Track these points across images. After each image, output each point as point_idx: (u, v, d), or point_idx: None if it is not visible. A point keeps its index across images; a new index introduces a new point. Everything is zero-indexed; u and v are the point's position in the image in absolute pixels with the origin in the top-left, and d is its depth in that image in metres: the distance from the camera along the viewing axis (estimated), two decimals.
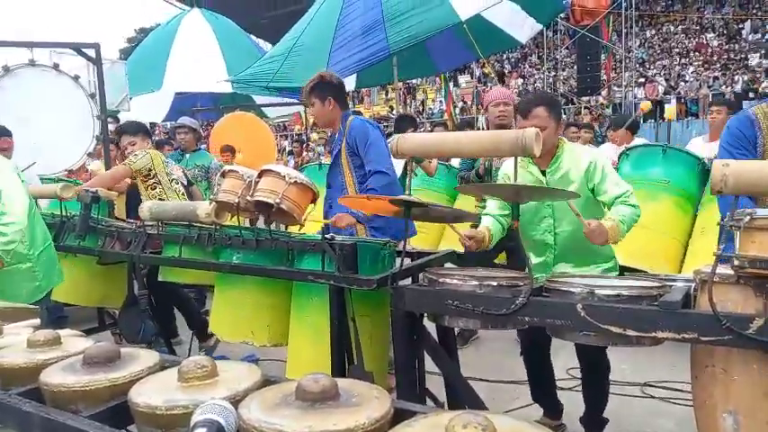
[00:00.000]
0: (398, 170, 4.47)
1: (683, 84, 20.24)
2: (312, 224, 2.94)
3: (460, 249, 4.19)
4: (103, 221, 3.50)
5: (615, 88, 19.24)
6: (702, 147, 4.78)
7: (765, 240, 1.43)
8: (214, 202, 2.77)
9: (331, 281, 2.29)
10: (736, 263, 1.47)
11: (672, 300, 1.60)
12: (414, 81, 23.18)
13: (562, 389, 3.18)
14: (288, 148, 14.31)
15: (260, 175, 2.57)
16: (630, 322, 1.61)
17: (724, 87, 18.23)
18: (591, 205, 2.39)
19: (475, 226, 2.52)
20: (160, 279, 3.18)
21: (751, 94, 16.56)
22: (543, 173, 2.43)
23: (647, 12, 24.39)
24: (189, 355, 1.97)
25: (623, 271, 3.01)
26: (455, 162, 5.24)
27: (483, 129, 7.45)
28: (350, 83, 8.35)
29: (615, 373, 3.19)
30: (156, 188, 3.88)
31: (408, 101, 23.96)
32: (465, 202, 4.90)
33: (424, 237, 5.33)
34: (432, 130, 8.10)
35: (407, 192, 2.17)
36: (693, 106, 17.67)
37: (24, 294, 2.79)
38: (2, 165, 2.84)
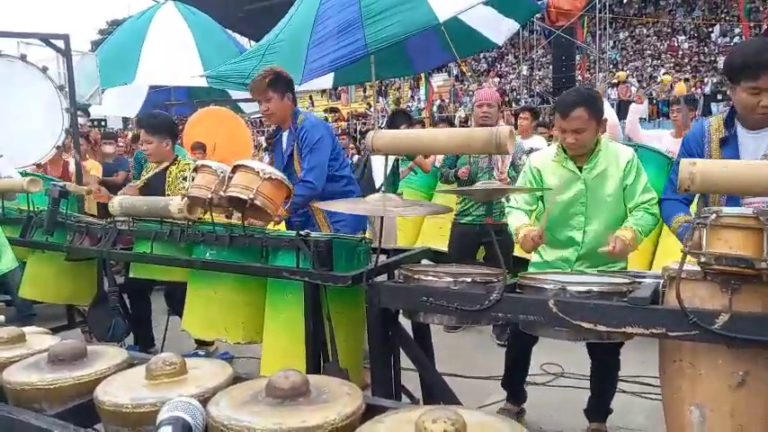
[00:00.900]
0: (382, 171, 4.48)
1: (654, 85, 20.63)
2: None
3: (436, 246, 4.25)
4: (72, 217, 3.42)
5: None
6: (671, 141, 4.95)
7: (731, 238, 1.47)
8: (186, 198, 2.73)
9: (306, 278, 2.27)
10: (702, 260, 1.50)
11: (641, 296, 1.62)
12: (390, 79, 23.21)
13: (536, 383, 3.23)
14: (264, 144, 14.17)
15: (234, 171, 2.54)
16: (601, 318, 1.63)
17: (694, 89, 18.65)
18: (622, 205, 2.44)
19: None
20: (131, 275, 3.13)
21: (719, 96, 16.99)
22: (580, 169, 2.44)
23: (621, 14, 24.81)
24: (162, 351, 1.94)
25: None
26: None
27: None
28: (327, 81, 8.30)
29: (586, 369, 3.24)
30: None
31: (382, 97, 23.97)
32: (443, 199, 4.95)
33: (401, 234, 5.35)
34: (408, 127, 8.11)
35: (383, 188, 2.16)
36: (665, 107, 18.03)
37: None
38: None
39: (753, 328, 1.44)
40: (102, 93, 5.99)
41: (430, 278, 1.95)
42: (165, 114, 4.23)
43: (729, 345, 1.48)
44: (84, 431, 1.08)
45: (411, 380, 2.44)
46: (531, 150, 4.07)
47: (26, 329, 1.56)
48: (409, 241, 5.35)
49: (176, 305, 3.20)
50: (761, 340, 1.43)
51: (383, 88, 24.19)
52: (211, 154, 6.70)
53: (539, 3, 8.01)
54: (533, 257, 2.65)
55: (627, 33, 25.38)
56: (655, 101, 18.40)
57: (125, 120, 14.65)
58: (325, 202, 2.98)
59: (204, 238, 2.68)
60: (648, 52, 23.79)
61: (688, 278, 1.55)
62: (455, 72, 22.75)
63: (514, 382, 2.78)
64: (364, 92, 24.14)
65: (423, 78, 11.31)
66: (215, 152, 6.81)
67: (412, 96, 23.36)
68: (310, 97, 23.98)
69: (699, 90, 18.68)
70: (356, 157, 8.99)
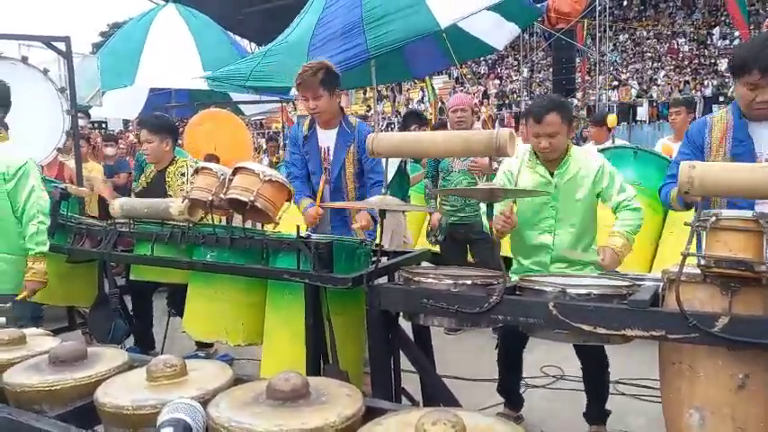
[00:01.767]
0: (390, 172, 4.49)
1: (654, 87, 20.67)
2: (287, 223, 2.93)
3: (436, 249, 4.25)
4: (73, 218, 3.42)
5: (590, 91, 19.56)
6: (672, 147, 4.91)
7: (731, 240, 1.47)
8: (187, 200, 2.73)
9: (306, 279, 2.28)
10: (702, 262, 1.50)
11: (641, 298, 1.63)
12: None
13: (536, 386, 3.23)
14: (264, 146, 14.19)
15: (234, 173, 2.55)
16: (601, 320, 1.64)
17: (694, 92, 18.68)
18: (591, 210, 2.50)
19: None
20: (131, 278, 3.13)
21: (721, 98, 17.01)
22: (551, 174, 2.47)
23: (621, 17, 24.85)
24: (162, 353, 1.94)
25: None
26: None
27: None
28: None
29: None
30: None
31: (394, 99, 24.01)
32: (419, 200, 5.02)
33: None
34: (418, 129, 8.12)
35: (384, 191, 2.16)
36: (665, 109, 18.07)
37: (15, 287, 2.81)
38: (31, 163, 2.84)
39: (752, 331, 1.44)
40: (103, 95, 5.99)
41: (430, 280, 1.95)
42: (167, 116, 4.24)
43: (729, 347, 1.48)
44: None
45: (411, 382, 2.44)
46: None
47: (27, 331, 1.56)
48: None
49: (178, 306, 3.22)
50: (761, 343, 1.43)
51: (394, 90, 24.19)
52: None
53: (539, 6, 8.01)
54: (513, 265, 2.69)
55: (627, 36, 25.42)
56: (655, 103, 18.43)
57: (125, 122, 14.65)
58: (330, 202, 2.98)
59: (205, 240, 2.68)
60: (649, 55, 23.82)
61: (688, 281, 1.55)
62: (455, 74, 22.77)
63: (509, 386, 2.78)
64: (364, 94, 24.16)
65: (427, 81, 11.32)
66: (215, 154, 6.81)
67: (422, 99, 23.38)
68: None
69: (699, 93, 18.70)
70: None
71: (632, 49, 24.67)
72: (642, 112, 18.03)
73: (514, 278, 2.04)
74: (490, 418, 0.92)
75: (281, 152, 10.48)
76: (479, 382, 3.20)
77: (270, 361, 2.55)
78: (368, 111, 21.63)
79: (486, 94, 21.14)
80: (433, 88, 11.67)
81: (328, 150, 3.09)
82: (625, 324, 1.61)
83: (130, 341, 3.58)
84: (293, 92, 6.99)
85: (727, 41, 21.82)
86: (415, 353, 2.22)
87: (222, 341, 2.71)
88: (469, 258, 4.22)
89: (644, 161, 4.23)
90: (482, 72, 25.97)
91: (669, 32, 24.48)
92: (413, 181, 4.94)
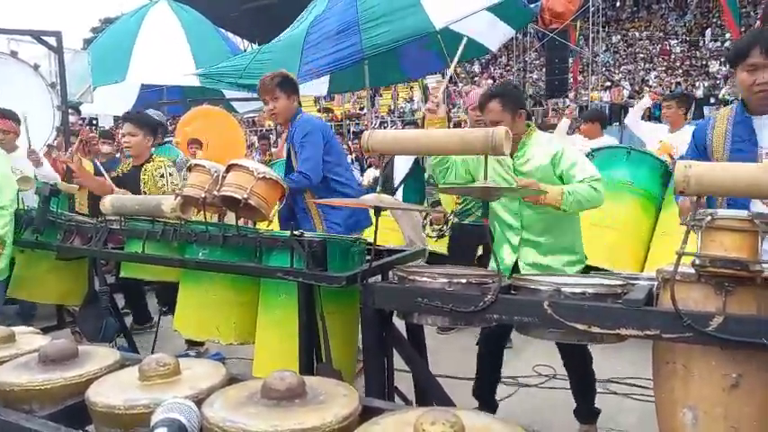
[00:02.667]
0: (405, 170, 4.46)
1: (646, 88, 20.77)
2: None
3: (434, 248, 4.24)
4: (63, 215, 3.39)
5: (582, 91, 19.64)
6: (668, 137, 4.95)
7: (725, 240, 1.47)
8: (179, 197, 2.71)
9: (300, 278, 2.26)
10: (697, 262, 1.50)
11: (635, 298, 1.63)
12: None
13: (528, 386, 3.23)
14: (257, 144, 14.13)
15: (227, 170, 2.52)
16: (595, 319, 1.63)
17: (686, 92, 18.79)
18: None
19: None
20: (122, 275, 3.10)
21: (712, 100, 17.12)
22: (511, 158, 2.49)
23: (613, 18, 24.96)
24: (153, 353, 1.92)
25: (588, 269, 3.07)
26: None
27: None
28: (322, 88, 8.28)
29: None
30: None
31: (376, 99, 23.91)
32: (444, 199, 4.98)
33: (395, 234, 5.33)
34: (403, 129, 8.11)
35: (379, 188, 2.15)
36: (657, 110, 18.15)
37: None
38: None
39: (746, 331, 1.44)
40: (94, 90, 5.94)
41: (424, 279, 1.94)
42: (151, 116, 4.31)
43: (723, 347, 1.48)
44: None
45: (403, 381, 2.43)
46: None
47: (16, 329, 1.53)
48: (403, 241, 5.33)
49: (168, 304, 3.24)
50: (754, 342, 1.43)
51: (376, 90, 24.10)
52: (204, 152, 6.66)
53: (532, 6, 8.03)
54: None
55: (619, 37, 25.54)
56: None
57: (116, 119, 14.54)
58: (323, 199, 2.99)
59: (197, 238, 2.66)
60: (641, 56, 23.94)
61: (682, 280, 1.55)
62: (448, 73, 22.76)
63: (485, 390, 2.72)
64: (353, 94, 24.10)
65: (420, 81, 11.33)
66: (207, 151, 6.76)
67: (411, 99, 23.34)
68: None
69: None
70: (349, 158, 8.97)
71: (624, 50, 24.79)
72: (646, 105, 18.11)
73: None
74: (488, 418, 0.92)
75: (272, 150, 10.44)
76: (471, 381, 3.19)
77: (263, 360, 2.53)
78: (360, 109, 21.61)
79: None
80: (425, 88, 11.69)
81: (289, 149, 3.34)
82: (619, 323, 1.61)
83: (122, 340, 3.55)
84: None
85: (719, 43, 21.97)
86: (408, 352, 2.22)
87: (214, 340, 2.69)
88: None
89: (637, 161, 4.25)
90: (475, 71, 25.98)
91: (661, 34, 24.63)
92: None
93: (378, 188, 2.25)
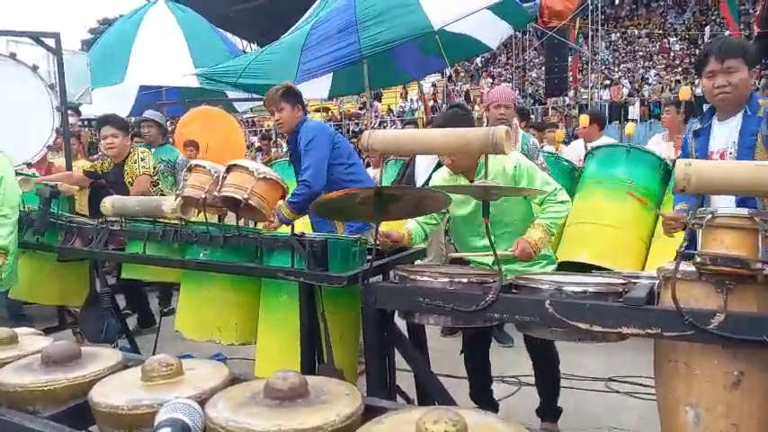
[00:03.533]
0: (427, 170, 4.44)
1: (646, 86, 20.77)
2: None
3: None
4: (64, 217, 3.39)
5: (582, 89, 19.63)
6: (664, 145, 4.97)
7: (726, 238, 1.47)
8: (180, 198, 2.71)
9: (301, 278, 2.26)
10: (698, 260, 1.51)
11: (637, 296, 1.63)
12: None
13: (529, 384, 3.23)
14: (257, 145, 14.13)
15: (228, 171, 2.53)
16: (597, 318, 1.64)
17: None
18: (523, 208, 2.49)
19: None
20: (123, 276, 3.10)
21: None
22: (471, 182, 2.46)
23: (613, 16, 24.96)
24: (154, 353, 1.92)
25: (590, 269, 3.08)
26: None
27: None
28: (323, 91, 8.28)
29: (580, 369, 3.26)
30: (157, 184, 4.12)
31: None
32: None
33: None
34: (403, 128, 8.11)
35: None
36: (656, 108, 18.15)
37: None
38: (2, 155, 2.89)
39: (748, 329, 1.44)
40: (92, 92, 5.93)
41: (426, 279, 1.94)
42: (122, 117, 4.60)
43: (724, 345, 1.49)
44: None
45: (405, 380, 2.44)
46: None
47: (18, 330, 1.54)
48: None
49: (169, 305, 3.28)
50: (756, 340, 1.44)
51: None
52: (204, 154, 6.66)
53: (532, 3, 8.03)
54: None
55: (619, 35, 25.53)
56: (646, 102, 18.51)
57: None
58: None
59: (198, 239, 2.66)
60: (640, 53, 23.94)
61: (683, 278, 1.55)
62: (448, 72, 22.77)
63: (480, 393, 2.69)
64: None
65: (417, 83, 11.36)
66: (207, 152, 6.76)
67: (404, 96, 23.33)
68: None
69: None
70: None
71: (624, 48, 24.79)
72: (633, 111, 18.10)
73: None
74: (491, 417, 0.92)
75: (273, 150, 10.44)
76: None
77: (264, 360, 2.54)
78: (361, 108, 21.61)
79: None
80: (420, 89, 11.72)
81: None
82: (621, 322, 1.61)
83: (123, 341, 3.56)
84: None
85: None
86: (410, 351, 2.22)
87: (215, 340, 2.70)
88: None
89: (636, 160, 4.24)
90: (474, 70, 25.98)
91: (660, 32, 24.63)
92: None
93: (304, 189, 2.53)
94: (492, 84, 24.08)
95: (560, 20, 9.59)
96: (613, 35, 25.33)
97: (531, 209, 2.51)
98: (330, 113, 21.52)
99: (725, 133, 2.29)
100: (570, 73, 18.08)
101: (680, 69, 21.74)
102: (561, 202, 2.40)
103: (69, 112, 5.11)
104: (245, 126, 18.53)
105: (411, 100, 22.46)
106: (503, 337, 3.88)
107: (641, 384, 3.04)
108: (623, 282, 1.80)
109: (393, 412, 0.97)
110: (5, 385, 1.20)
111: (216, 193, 2.53)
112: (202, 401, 1.01)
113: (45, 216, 3.22)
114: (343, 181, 3.23)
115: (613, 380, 3.22)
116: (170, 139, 6.80)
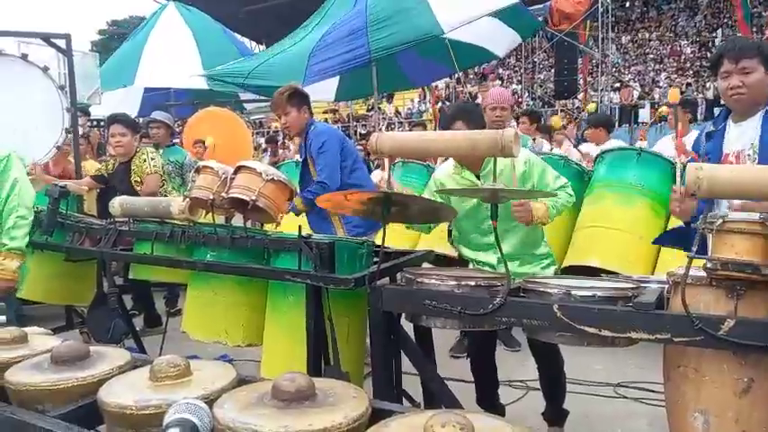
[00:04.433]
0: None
1: (656, 89, 20.65)
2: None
3: (440, 249, 4.23)
4: (72, 217, 3.41)
5: (591, 92, 19.53)
6: (671, 146, 4.92)
7: (737, 243, 1.46)
8: (188, 199, 2.72)
9: (308, 280, 2.26)
10: (708, 265, 1.49)
11: (646, 301, 1.62)
12: None
13: (536, 389, 3.21)
14: (264, 146, 14.17)
15: (236, 172, 2.54)
16: (605, 323, 1.62)
17: (696, 93, 18.66)
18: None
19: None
20: (130, 277, 3.12)
21: (722, 101, 16.95)
22: (477, 176, 2.47)
23: (623, 18, 24.84)
24: (160, 354, 1.93)
25: (599, 273, 3.06)
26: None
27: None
28: (330, 94, 8.31)
29: (588, 374, 3.23)
30: (164, 185, 4.16)
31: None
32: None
33: (405, 237, 5.32)
34: (410, 130, 8.11)
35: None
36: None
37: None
38: (14, 156, 2.85)
39: (758, 334, 1.43)
40: (102, 94, 5.98)
41: (433, 281, 1.94)
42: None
43: (735, 351, 1.47)
44: None
45: (412, 383, 2.43)
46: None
47: (27, 330, 1.55)
48: (412, 243, 5.32)
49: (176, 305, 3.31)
50: (766, 346, 1.42)
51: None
52: (211, 154, 6.69)
53: (541, 6, 8.04)
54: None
55: (629, 38, 25.40)
56: (657, 105, 18.39)
57: None
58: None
59: (205, 240, 2.67)
60: (651, 56, 23.80)
61: (693, 283, 1.54)
62: (456, 74, 22.75)
63: (487, 398, 2.66)
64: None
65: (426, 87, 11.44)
66: (215, 153, 6.80)
67: (423, 98, 23.30)
68: None
69: (701, 95, 18.68)
70: None
71: (634, 51, 24.66)
72: (644, 113, 17.99)
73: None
74: (498, 421, 0.91)
75: (280, 152, 10.46)
76: None
77: (270, 362, 2.54)
78: (368, 110, 21.62)
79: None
80: (430, 91, 11.74)
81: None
82: (630, 326, 1.60)
83: (129, 341, 3.57)
84: None
85: None
86: (417, 354, 2.21)
87: (222, 342, 2.70)
88: None
89: (647, 163, 4.21)
90: (483, 72, 25.91)
91: (671, 34, 24.47)
92: None
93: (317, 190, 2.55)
94: (501, 86, 24.03)
95: (570, 22, 9.57)
96: (624, 38, 25.20)
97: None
98: (338, 115, 21.56)
99: (741, 134, 2.24)
100: (580, 75, 18.00)
101: (691, 72, 21.60)
102: (570, 195, 2.50)
103: (79, 113, 5.16)
104: (252, 127, 18.58)
105: (418, 101, 22.45)
106: (510, 341, 3.87)
107: (650, 390, 3.02)
108: (633, 286, 1.79)
109: (400, 415, 0.97)
110: (16, 384, 1.21)
111: (224, 195, 2.54)
112: (209, 402, 1.02)
113: (54, 216, 3.24)
114: (345, 184, 3.25)
115: (622, 385, 3.19)
116: (178, 140, 6.84)
